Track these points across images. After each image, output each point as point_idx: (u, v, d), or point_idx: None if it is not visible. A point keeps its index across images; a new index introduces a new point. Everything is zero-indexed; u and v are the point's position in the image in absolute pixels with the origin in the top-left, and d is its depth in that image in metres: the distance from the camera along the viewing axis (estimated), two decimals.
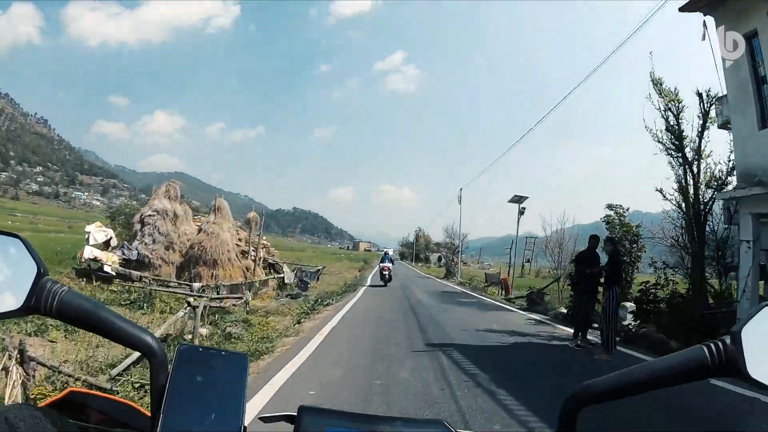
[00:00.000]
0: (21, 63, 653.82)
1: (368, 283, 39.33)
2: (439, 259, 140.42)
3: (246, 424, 1.07)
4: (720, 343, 0.70)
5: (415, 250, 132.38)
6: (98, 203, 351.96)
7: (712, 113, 18.95)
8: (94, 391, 1.22)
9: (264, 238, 32.11)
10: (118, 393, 7.02)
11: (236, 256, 26.99)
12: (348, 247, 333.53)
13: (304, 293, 24.95)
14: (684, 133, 19.53)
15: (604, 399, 0.97)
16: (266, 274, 29.20)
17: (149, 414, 1.10)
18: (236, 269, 26.05)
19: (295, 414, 1.12)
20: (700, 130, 19.29)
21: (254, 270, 27.64)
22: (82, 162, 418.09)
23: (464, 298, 30.19)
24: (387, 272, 35.88)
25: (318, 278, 34.03)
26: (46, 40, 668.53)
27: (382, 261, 38.70)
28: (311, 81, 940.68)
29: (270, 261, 33.96)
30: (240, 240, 29.61)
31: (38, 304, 1.02)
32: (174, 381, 1.08)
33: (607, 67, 24.61)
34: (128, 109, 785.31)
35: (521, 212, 35.61)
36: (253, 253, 28.70)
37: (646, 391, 0.93)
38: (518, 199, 35.96)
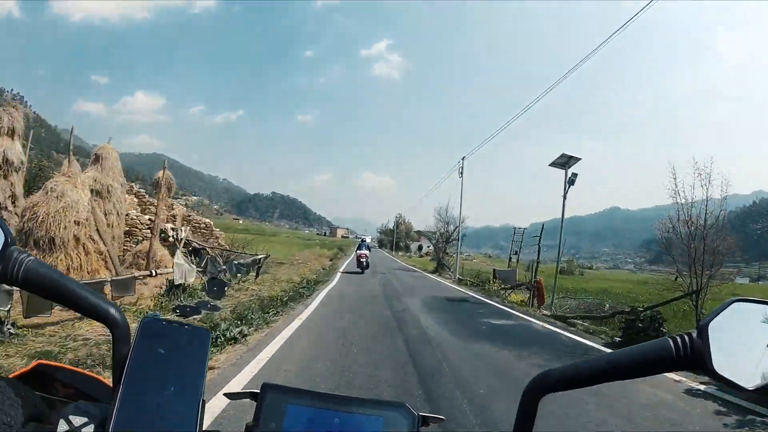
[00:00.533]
0: None
1: (341, 271, 35.05)
2: (420, 248, 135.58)
3: (205, 399, 1.06)
4: (686, 336, 0.70)
5: (395, 238, 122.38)
6: None
7: None
8: (61, 364, 1.22)
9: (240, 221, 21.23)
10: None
11: (112, 236, 17.93)
12: (324, 233, 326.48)
13: (208, 306, 13.75)
14: None
15: (564, 387, 0.97)
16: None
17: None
18: (94, 256, 15.82)
19: (258, 391, 1.13)
20: None
21: (151, 260, 18.33)
22: (59, 140, 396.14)
23: (492, 316, 18.02)
24: (364, 259, 35.10)
25: (258, 272, 23.05)
26: (27, 14, 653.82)
27: (359, 248, 37.35)
28: (295, 65, 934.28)
29: (196, 245, 23.38)
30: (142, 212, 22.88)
31: (5, 272, 1.01)
32: (136, 353, 1.07)
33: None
34: (109, 87, 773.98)
35: (571, 182, 22.52)
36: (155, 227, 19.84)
37: (608, 381, 0.94)
38: (565, 161, 22.69)
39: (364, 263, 35.42)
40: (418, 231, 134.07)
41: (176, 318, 10.39)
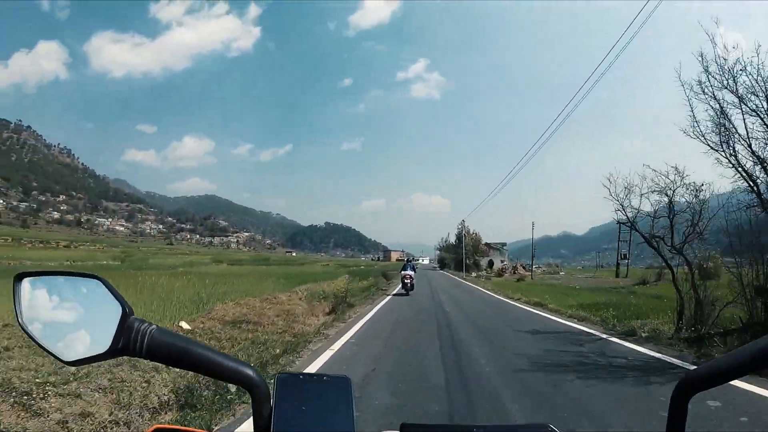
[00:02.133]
0: (49, 97, 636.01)
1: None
2: (490, 264, 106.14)
3: None
4: None
5: (462, 254, 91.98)
6: (122, 228, 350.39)
7: None
8: (180, 426, 1.21)
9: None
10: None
11: None
12: (378, 258, 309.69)
13: None
14: None
15: (714, 383, 0.91)
16: None
17: None
18: None
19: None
20: None
21: None
22: (108, 189, 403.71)
23: None
24: (409, 280, 31.61)
25: None
26: (72, 74, 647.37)
27: (404, 269, 32.93)
28: (335, 95, 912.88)
29: None
30: None
31: (126, 345, 1.00)
32: (278, 412, 1.06)
33: None
34: (157, 136, 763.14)
35: None
36: None
37: (756, 370, 0.75)
38: None
39: (409, 284, 31.52)
40: (487, 243, 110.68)
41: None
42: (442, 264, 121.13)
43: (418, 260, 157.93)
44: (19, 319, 1.09)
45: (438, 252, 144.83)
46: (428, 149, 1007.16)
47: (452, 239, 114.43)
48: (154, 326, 1.01)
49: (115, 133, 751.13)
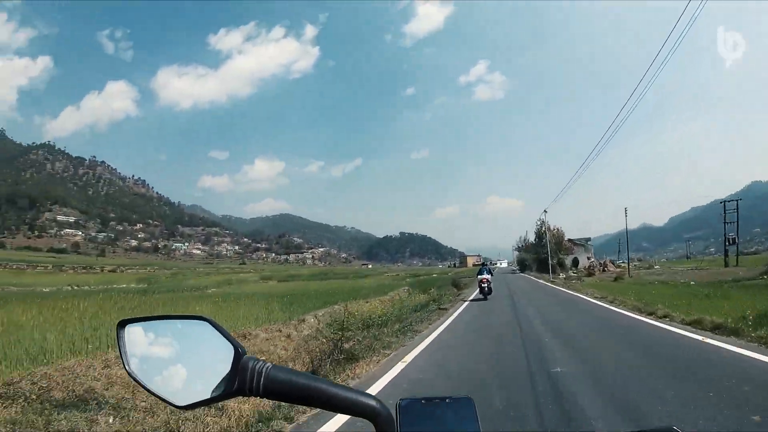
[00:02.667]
0: (122, 133, 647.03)
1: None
2: (575, 263, 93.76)
3: None
4: None
5: (544, 253, 79.49)
6: (198, 252, 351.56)
7: None
8: None
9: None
10: None
11: None
12: (454, 264, 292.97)
13: None
14: None
15: None
16: None
17: None
18: None
19: None
20: None
21: None
22: (183, 215, 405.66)
23: None
24: (486, 284, 30.53)
25: None
26: (142, 110, 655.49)
27: (480, 273, 32.21)
28: (399, 106, 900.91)
29: None
30: None
31: (242, 385, 0.99)
32: None
33: None
34: (229, 161, 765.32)
35: None
36: None
37: None
38: None
39: (486, 288, 30.51)
40: (570, 239, 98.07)
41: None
42: (522, 266, 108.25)
43: (495, 264, 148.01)
44: (126, 367, 1.11)
45: (516, 253, 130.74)
46: (498, 150, 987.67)
47: (531, 238, 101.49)
48: (269, 364, 1.00)
49: (188, 161, 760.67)
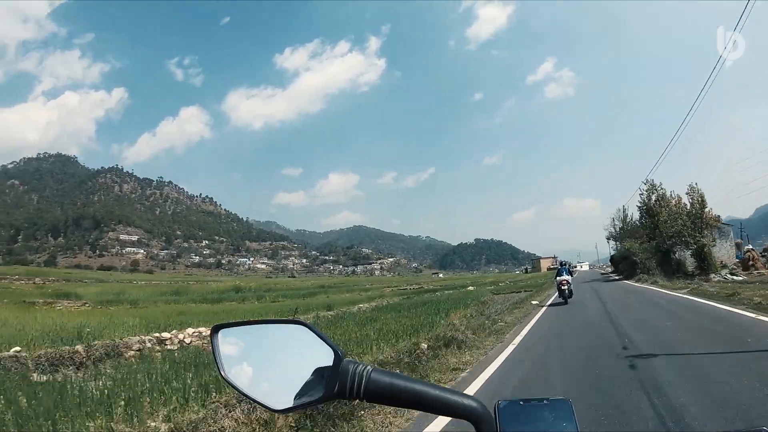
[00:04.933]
0: (196, 156, 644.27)
1: None
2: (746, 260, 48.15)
3: None
4: None
5: (668, 235, 43.69)
6: (263, 266, 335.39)
7: None
8: None
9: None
10: None
11: None
12: (526, 269, 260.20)
13: None
14: None
15: None
16: None
17: None
18: None
19: None
20: None
21: None
22: (251, 230, 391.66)
23: None
24: (566, 286, 26.59)
25: None
26: (215, 132, 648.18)
27: (559, 275, 27.75)
28: (468, 111, 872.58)
29: None
30: None
31: (343, 388, 0.98)
32: None
33: None
34: (302, 177, 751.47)
35: None
36: None
37: None
38: None
39: (567, 291, 26.41)
40: (718, 218, 46.50)
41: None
42: (622, 266, 58.25)
43: (576, 267, 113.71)
44: (222, 372, 1.10)
45: (613, 243, 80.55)
46: (571, 150, 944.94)
47: (634, 215, 59.37)
48: (369, 367, 0.99)
49: (262, 180, 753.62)
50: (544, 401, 1.06)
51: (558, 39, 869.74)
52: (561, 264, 31.17)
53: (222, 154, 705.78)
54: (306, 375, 1.01)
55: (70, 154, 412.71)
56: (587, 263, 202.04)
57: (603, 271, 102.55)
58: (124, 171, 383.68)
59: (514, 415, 1.03)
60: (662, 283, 34.64)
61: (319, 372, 1.00)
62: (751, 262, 43.33)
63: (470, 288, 52.48)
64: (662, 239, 43.94)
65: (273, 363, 1.09)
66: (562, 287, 26.60)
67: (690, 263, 42.90)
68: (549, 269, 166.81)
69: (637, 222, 56.01)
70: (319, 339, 1.03)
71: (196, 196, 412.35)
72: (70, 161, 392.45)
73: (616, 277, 57.42)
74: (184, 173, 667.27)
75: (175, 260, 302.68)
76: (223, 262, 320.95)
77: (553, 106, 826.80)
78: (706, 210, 43.12)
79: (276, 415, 5.83)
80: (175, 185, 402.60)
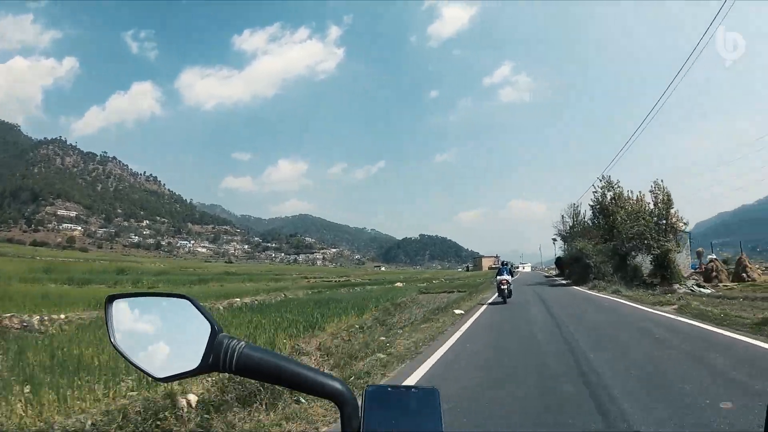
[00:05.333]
0: (146, 134, 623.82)
1: None
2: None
3: None
4: None
5: (629, 237, 38.01)
6: (204, 250, 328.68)
7: None
8: None
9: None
10: None
11: None
12: (467, 267, 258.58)
13: None
14: None
15: None
16: None
17: None
18: None
19: None
20: None
21: None
22: (194, 212, 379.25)
23: None
24: (505, 286, 26.39)
25: None
26: (166, 110, 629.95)
27: (499, 274, 27.45)
28: (423, 108, 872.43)
29: None
30: None
31: (216, 361, 1.01)
32: (367, 425, 1.02)
33: None
34: (252, 162, 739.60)
35: None
36: None
37: None
38: None
39: (506, 291, 26.18)
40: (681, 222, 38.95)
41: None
42: (571, 269, 50.66)
43: (518, 268, 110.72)
44: (112, 339, 1.14)
45: (561, 243, 71.76)
46: (522, 154, 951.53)
47: (587, 213, 51.38)
48: (242, 343, 1.01)
49: (211, 162, 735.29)
50: (412, 389, 1.07)
51: (518, 45, 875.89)
52: (502, 264, 30.18)
53: (172, 133, 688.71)
54: (186, 346, 1.02)
55: (13, 122, 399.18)
56: (529, 264, 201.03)
57: (547, 274, 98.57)
58: (68, 143, 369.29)
59: (380, 400, 1.03)
60: (627, 294, 28.21)
61: (198, 344, 1.00)
62: (714, 273, 38.47)
63: (399, 284, 47.84)
64: (621, 241, 38.24)
65: (158, 334, 1.10)
66: (502, 287, 26.47)
67: (646, 270, 37.67)
68: (490, 268, 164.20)
69: (589, 221, 49.79)
70: (200, 313, 1.04)
71: (140, 174, 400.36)
72: (12, 129, 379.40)
73: (563, 281, 51.17)
74: (131, 150, 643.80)
75: (113, 239, 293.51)
76: (163, 243, 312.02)
77: (507, 110, 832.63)
78: (672, 211, 37.91)
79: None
80: (119, 161, 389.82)
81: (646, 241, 36.54)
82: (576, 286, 40.11)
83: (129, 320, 1.13)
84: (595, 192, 43.21)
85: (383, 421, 1.00)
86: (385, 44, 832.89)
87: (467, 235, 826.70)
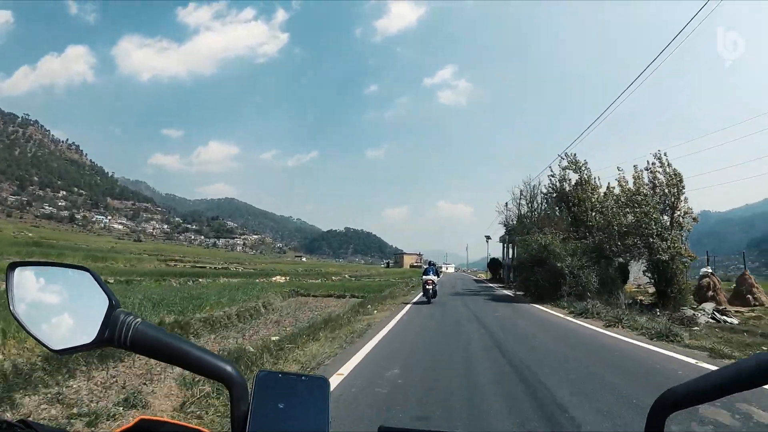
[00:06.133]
0: (76, 100, 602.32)
1: None
2: (624, 275, 25.38)
3: None
4: None
5: (618, 234, 26.13)
6: (120, 226, 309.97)
7: None
8: (165, 419, 1.15)
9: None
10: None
11: None
12: (388, 264, 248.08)
13: None
14: None
15: (692, 403, 0.90)
16: None
17: None
18: None
19: None
20: None
21: None
22: (114, 187, 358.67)
23: None
24: (431, 286, 25.57)
25: None
26: (99, 78, 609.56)
27: (426, 273, 26.92)
28: (360, 102, 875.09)
29: None
30: None
31: (111, 336, 0.99)
32: (256, 409, 1.02)
33: None
34: (182, 140, 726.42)
35: None
36: None
37: (729, 394, 0.87)
38: None
39: (431, 291, 25.36)
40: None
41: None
42: (528, 277, 30.40)
43: (441, 268, 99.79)
44: (11, 307, 1.07)
45: (501, 240, 58.66)
46: (454, 156, 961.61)
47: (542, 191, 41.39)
48: (138, 319, 1.00)
49: (140, 136, 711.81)
50: (302, 377, 1.08)
51: (463, 50, 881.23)
52: (429, 264, 29.62)
53: (102, 102, 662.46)
54: (85, 320, 0.99)
55: None
56: (453, 265, 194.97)
57: (477, 278, 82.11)
58: None
59: (269, 385, 1.03)
60: (640, 326, 14.96)
61: (96, 318, 0.98)
62: (710, 293, 28.07)
63: (279, 279, 39.18)
64: (612, 237, 26.24)
65: (57, 305, 1.04)
66: (427, 287, 25.85)
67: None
68: (412, 266, 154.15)
69: (546, 211, 38.98)
70: (99, 286, 1.01)
71: (62, 142, 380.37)
72: None
73: (506, 292, 36.88)
74: (57, 116, 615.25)
75: (24, 208, 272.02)
76: (78, 217, 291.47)
77: (444, 112, 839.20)
78: (682, 198, 26.71)
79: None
80: (42, 126, 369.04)
81: (649, 239, 24.61)
82: (537, 303, 25.91)
83: (33, 289, 1.06)
84: (552, 176, 32.17)
85: (272, 405, 1.01)
86: (330, 34, 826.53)
87: (393, 231, 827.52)
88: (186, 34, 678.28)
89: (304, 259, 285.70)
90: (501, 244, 59.19)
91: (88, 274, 1.03)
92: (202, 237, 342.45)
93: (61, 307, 1.04)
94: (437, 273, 28.21)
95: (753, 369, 0.82)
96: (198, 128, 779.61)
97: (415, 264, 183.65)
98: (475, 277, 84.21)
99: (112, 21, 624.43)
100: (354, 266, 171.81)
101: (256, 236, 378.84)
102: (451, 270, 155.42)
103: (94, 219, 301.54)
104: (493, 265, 66.47)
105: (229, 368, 1.01)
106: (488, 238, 70.90)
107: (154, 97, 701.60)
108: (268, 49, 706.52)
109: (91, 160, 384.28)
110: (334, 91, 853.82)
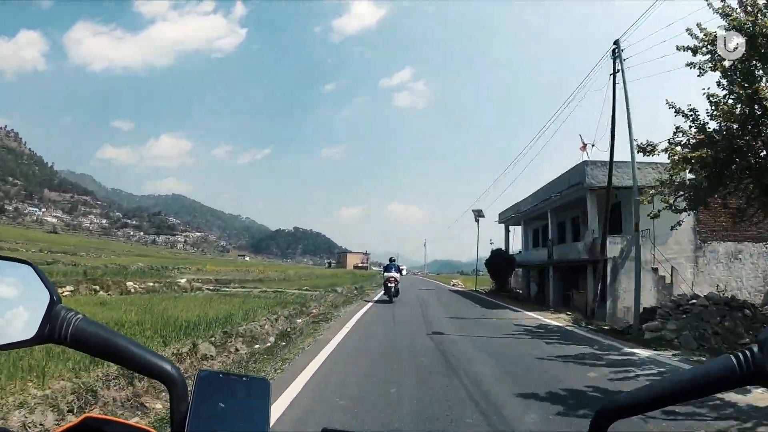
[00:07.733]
0: (24, 88, 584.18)
1: None
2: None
3: None
4: (748, 352, 0.80)
5: None
6: (54, 220, 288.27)
7: None
8: (110, 417, 1.12)
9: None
10: None
11: None
12: (329, 264, 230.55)
13: None
14: None
15: (632, 413, 0.89)
16: None
17: None
18: None
19: None
20: None
21: None
22: (53, 178, 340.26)
23: None
24: (392, 284, 24.95)
25: None
26: (51, 65, 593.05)
27: (387, 270, 26.50)
28: (318, 101, 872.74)
29: None
30: None
31: (52, 332, 0.95)
32: (195, 408, 1.00)
33: None
34: (133, 133, 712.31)
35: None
36: None
37: (674, 404, 0.88)
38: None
39: (392, 289, 24.84)
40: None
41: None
42: (507, 281, 36.02)
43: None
44: None
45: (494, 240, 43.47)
46: (408, 158, 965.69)
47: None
48: (80, 315, 0.96)
49: (89, 127, 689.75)
50: (243, 377, 1.05)
51: (421, 53, 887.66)
52: (390, 260, 28.47)
53: (52, 90, 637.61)
54: (25, 315, 0.94)
55: None
56: (405, 267, 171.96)
57: (453, 288, 50.99)
58: None
59: (210, 385, 1.01)
60: None
61: (37, 314, 0.93)
62: None
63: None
64: None
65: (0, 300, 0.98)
66: (389, 284, 25.13)
67: None
68: (356, 267, 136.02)
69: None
70: (41, 281, 0.96)
71: (1, 128, 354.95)
72: None
73: (554, 322, 18.41)
74: (2, 102, 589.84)
75: None
76: (9, 208, 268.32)
77: (401, 114, 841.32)
78: None
79: None
80: None
81: None
82: None
83: None
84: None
85: (212, 405, 0.98)
86: (288, 30, 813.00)
87: (344, 232, 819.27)
88: (142, 23, 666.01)
89: (247, 258, 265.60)
90: (514, 228, 39.65)
91: (29, 267, 0.98)
92: (142, 233, 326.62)
93: (2, 302, 0.97)
94: (399, 270, 27.04)
95: (688, 382, 0.83)
96: (150, 122, 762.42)
97: (361, 264, 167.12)
98: (450, 287, 50.82)
99: (67, 6, 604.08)
100: (299, 268, 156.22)
101: (198, 234, 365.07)
102: (403, 273, 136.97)
103: (26, 211, 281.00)
104: (498, 264, 38.13)
105: (168, 367, 0.98)
106: (479, 214, 44.50)
107: (106, 87, 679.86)
108: (225, 44, 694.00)
109: (30, 149, 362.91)
110: (290, 89, 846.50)
